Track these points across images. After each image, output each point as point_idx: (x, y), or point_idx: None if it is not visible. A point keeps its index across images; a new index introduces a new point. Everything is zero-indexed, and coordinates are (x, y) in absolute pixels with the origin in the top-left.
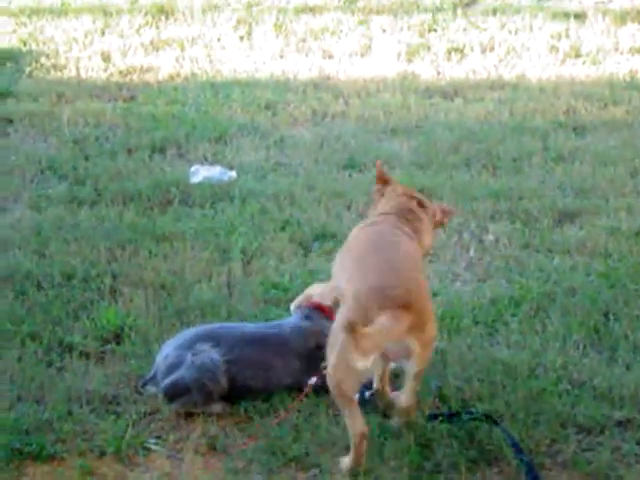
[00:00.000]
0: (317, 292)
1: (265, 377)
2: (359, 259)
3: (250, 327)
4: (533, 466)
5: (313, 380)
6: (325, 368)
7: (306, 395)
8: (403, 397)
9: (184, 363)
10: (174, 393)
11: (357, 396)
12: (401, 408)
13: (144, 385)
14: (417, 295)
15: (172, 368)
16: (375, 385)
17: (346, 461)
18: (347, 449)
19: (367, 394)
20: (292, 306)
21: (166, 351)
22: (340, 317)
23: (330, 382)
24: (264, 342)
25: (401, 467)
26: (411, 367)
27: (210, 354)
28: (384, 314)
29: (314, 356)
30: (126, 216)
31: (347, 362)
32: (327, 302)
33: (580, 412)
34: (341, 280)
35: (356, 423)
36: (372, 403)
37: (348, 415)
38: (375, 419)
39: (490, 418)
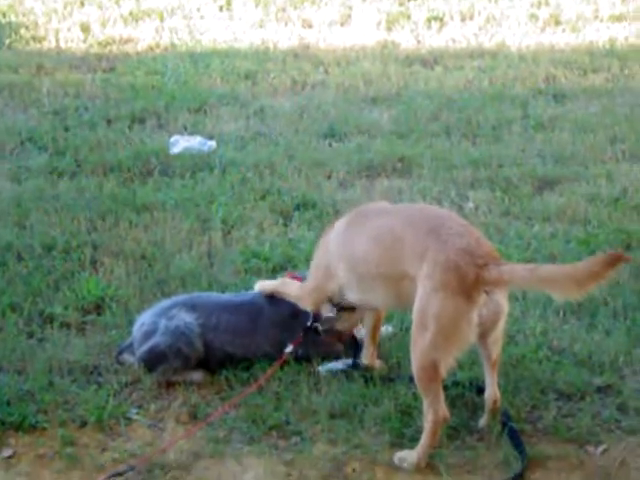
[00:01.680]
0: (294, 293)
1: (242, 344)
2: (416, 234)
3: (226, 296)
4: (518, 434)
5: (290, 348)
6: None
7: (283, 364)
8: (493, 392)
9: (158, 329)
10: (151, 360)
11: (348, 364)
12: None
13: (120, 353)
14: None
15: (147, 335)
16: (366, 350)
17: (412, 454)
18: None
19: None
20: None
21: (142, 320)
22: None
23: (423, 364)
24: (239, 309)
25: (381, 433)
26: (495, 338)
27: (184, 318)
28: (497, 265)
29: (291, 324)
30: (106, 187)
31: (462, 330)
32: (308, 305)
33: (560, 378)
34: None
35: (441, 408)
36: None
37: (433, 400)
38: (356, 385)
39: (475, 386)
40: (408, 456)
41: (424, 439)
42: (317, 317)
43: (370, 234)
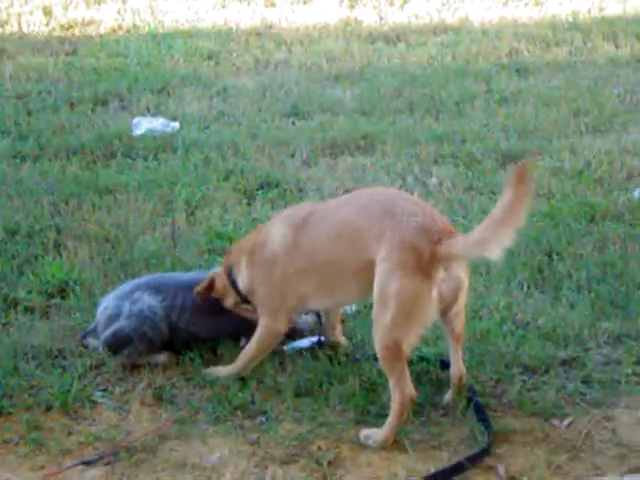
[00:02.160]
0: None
1: (206, 323)
2: (369, 219)
3: (189, 275)
4: (483, 408)
5: (243, 342)
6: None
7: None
8: (458, 368)
9: (122, 313)
10: (115, 344)
11: (313, 341)
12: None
13: (84, 337)
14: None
15: (111, 319)
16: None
17: (379, 433)
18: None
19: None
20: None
21: (105, 303)
22: (390, 270)
23: (387, 344)
24: None
25: (346, 411)
26: (457, 312)
27: (147, 301)
28: (450, 240)
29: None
30: (69, 170)
31: (423, 307)
32: (284, 328)
33: (525, 352)
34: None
35: (407, 387)
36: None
37: (399, 379)
38: (321, 364)
39: (439, 361)
40: (375, 434)
41: (391, 418)
42: None
43: (330, 234)
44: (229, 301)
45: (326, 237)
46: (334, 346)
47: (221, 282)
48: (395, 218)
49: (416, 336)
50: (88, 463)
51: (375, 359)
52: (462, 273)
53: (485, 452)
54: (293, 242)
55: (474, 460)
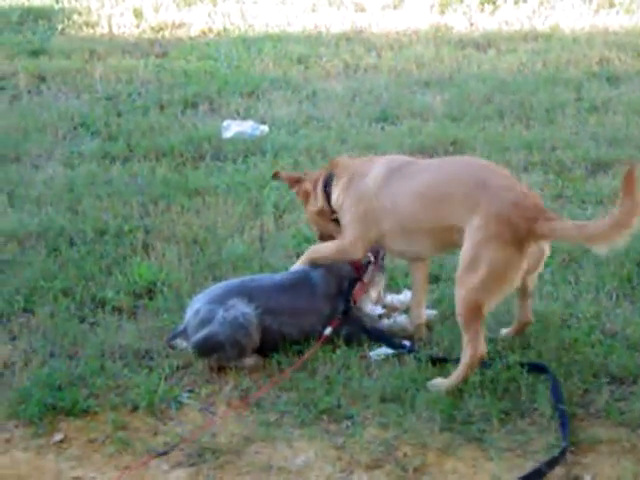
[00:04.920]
0: (335, 250)
1: (298, 323)
2: (463, 189)
3: (280, 276)
4: (565, 415)
5: (328, 330)
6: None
7: (323, 344)
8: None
9: (216, 319)
10: (206, 348)
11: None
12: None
13: (173, 338)
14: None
15: (203, 323)
16: (414, 311)
17: (444, 382)
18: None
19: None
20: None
21: (197, 306)
22: (481, 238)
23: (469, 303)
24: (294, 288)
25: (432, 417)
26: (534, 276)
27: (242, 309)
28: (552, 222)
29: (337, 301)
30: (158, 171)
31: (511, 277)
32: (357, 254)
33: (613, 362)
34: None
35: (480, 345)
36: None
37: (473, 337)
38: (407, 369)
39: (536, 366)
40: (440, 384)
41: (460, 371)
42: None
43: (415, 191)
44: (312, 207)
45: (411, 191)
46: (419, 329)
47: (311, 185)
48: (489, 190)
49: (497, 301)
50: (165, 453)
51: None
52: (546, 245)
53: (556, 461)
54: (384, 183)
55: (550, 466)
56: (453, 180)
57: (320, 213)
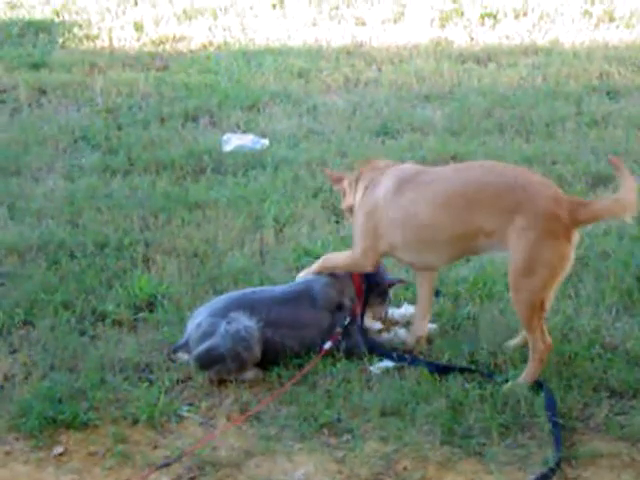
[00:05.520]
0: (347, 261)
1: (299, 335)
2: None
3: (280, 288)
4: (559, 429)
5: (328, 345)
6: (343, 330)
7: (323, 357)
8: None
9: (218, 331)
10: (207, 361)
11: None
12: None
13: (175, 351)
14: None
15: (205, 336)
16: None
17: (519, 383)
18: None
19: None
20: (301, 275)
21: (198, 319)
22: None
23: (533, 305)
24: (295, 301)
25: (433, 431)
26: None
27: (244, 322)
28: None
29: (336, 314)
30: (159, 185)
31: (566, 268)
32: (368, 266)
33: (613, 376)
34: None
35: (546, 338)
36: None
37: (539, 334)
38: (407, 383)
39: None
40: (516, 385)
41: (531, 367)
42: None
43: (435, 201)
44: (346, 203)
45: (429, 202)
46: (419, 341)
47: (348, 183)
48: (527, 188)
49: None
50: (167, 465)
51: (461, 372)
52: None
53: (551, 473)
54: (394, 196)
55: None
56: (480, 184)
57: (351, 210)
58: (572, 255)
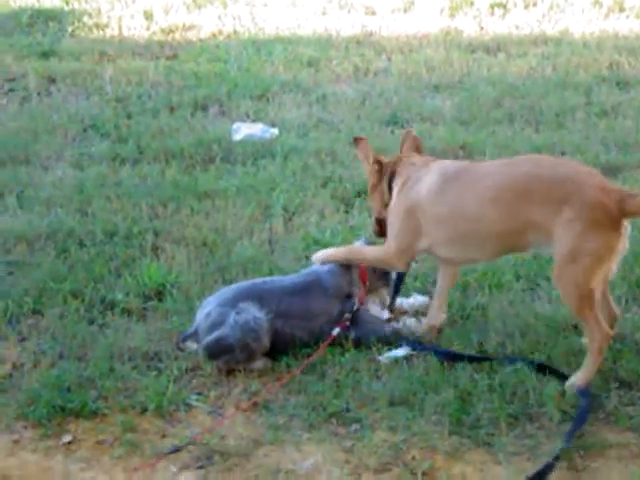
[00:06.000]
0: (379, 257)
1: (309, 326)
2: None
3: (290, 278)
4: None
5: (336, 331)
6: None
7: (330, 344)
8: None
9: (227, 322)
10: (216, 350)
11: (406, 351)
12: None
13: (184, 340)
14: None
15: (214, 326)
16: (434, 311)
17: (579, 376)
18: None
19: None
20: (316, 258)
21: (208, 308)
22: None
23: (582, 295)
24: (305, 290)
25: (441, 421)
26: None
27: (253, 313)
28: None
29: (345, 302)
30: (168, 174)
31: (614, 259)
32: (400, 266)
33: (622, 366)
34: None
35: (603, 327)
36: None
37: (596, 321)
38: (416, 373)
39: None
40: (577, 379)
41: (591, 358)
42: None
43: (484, 196)
44: (376, 200)
45: (478, 197)
46: (431, 329)
47: (381, 177)
48: (575, 180)
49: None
50: (177, 451)
51: (469, 361)
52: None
53: (551, 466)
54: (440, 192)
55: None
56: (530, 177)
57: (385, 205)
58: (621, 246)
